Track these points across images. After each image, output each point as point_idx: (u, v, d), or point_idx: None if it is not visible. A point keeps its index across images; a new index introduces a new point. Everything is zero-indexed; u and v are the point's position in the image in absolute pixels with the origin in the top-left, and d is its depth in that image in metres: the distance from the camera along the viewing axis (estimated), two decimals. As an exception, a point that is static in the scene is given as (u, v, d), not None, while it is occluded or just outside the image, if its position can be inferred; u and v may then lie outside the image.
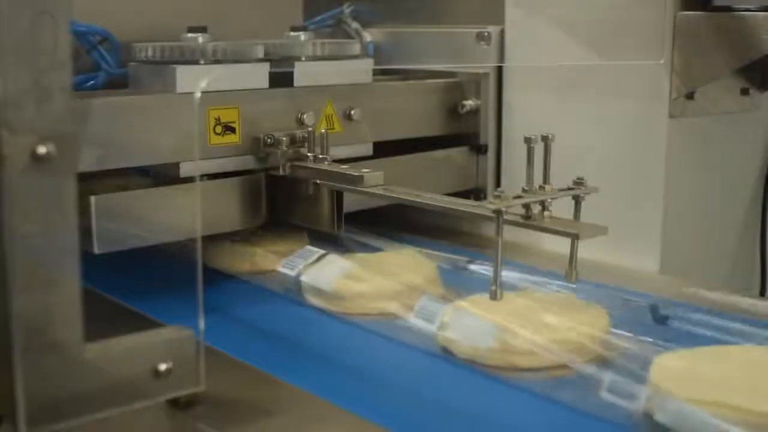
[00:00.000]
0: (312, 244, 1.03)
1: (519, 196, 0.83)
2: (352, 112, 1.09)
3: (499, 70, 1.20)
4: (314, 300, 0.95)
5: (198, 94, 0.81)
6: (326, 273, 0.95)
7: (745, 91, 1.11)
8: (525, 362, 0.78)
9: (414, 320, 0.85)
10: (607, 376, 0.71)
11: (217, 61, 1.00)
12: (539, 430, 0.71)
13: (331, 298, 0.93)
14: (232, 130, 1.00)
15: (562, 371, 0.76)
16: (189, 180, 0.94)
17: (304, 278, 0.96)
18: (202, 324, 0.66)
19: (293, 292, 0.97)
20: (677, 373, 0.71)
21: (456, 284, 0.94)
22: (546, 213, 0.84)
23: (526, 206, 0.84)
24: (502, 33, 1.18)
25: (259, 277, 1.02)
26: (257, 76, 1.03)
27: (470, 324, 0.81)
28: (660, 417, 0.67)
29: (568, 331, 0.79)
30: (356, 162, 1.05)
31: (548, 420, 0.72)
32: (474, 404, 0.75)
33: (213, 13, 1.14)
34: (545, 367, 0.77)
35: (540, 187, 0.84)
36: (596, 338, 0.79)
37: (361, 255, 1.01)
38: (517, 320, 0.80)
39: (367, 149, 1.12)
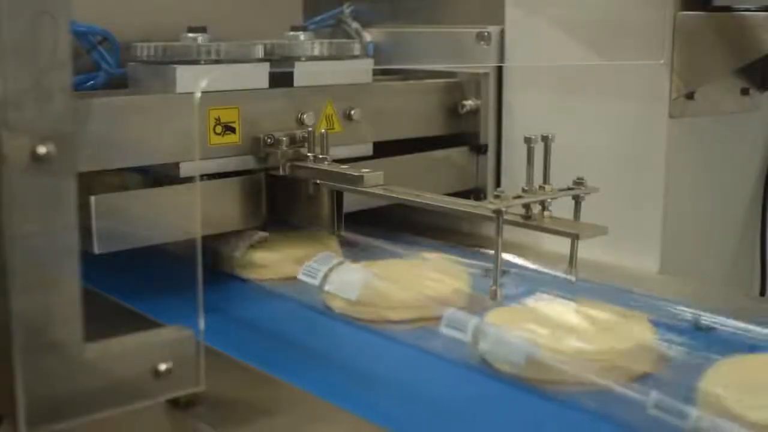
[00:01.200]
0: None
1: (519, 196, 0.83)
2: (352, 112, 1.09)
3: (499, 70, 1.20)
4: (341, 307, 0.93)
5: (198, 94, 0.81)
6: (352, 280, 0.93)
7: (745, 91, 1.11)
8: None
9: (446, 330, 0.82)
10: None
11: (217, 61, 1.00)
12: None
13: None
14: (232, 130, 1.00)
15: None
16: (189, 180, 0.94)
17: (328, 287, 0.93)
18: (202, 324, 0.66)
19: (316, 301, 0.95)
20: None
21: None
22: (546, 213, 0.84)
23: (526, 206, 0.84)
24: (502, 33, 1.18)
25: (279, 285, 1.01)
26: (257, 76, 1.03)
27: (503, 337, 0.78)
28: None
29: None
30: (356, 162, 1.05)
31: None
32: (474, 404, 0.75)
33: (213, 13, 1.13)
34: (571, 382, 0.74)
35: (540, 187, 0.84)
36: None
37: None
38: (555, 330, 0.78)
39: (367, 149, 1.12)
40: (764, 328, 0.83)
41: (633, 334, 0.79)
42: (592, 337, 0.77)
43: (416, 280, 0.92)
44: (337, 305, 0.92)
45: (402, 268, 0.98)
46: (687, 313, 0.88)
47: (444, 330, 0.81)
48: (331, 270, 0.94)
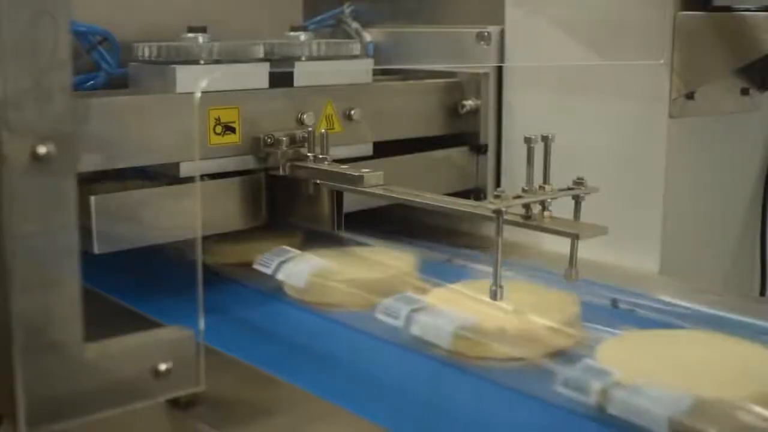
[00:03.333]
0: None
1: (519, 196, 0.83)
2: (352, 112, 1.09)
3: (499, 70, 1.20)
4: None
5: (198, 94, 0.81)
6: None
7: (745, 91, 1.11)
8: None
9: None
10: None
11: (217, 61, 1.00)
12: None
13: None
14: (232, 130, 1.00)
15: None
16: (189, 180, 0.94)
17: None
18: (202, 324, 0.66)
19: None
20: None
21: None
22: (546, 213, 0.84)
23: (526, 206, 0.84)
24: (502, 33, 1.18)
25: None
26: (257, 76, 1.03)
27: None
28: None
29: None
30: (356, 162, 1.05)
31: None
32: (474, 405, 0.75)
33: (213, 13, 1.13)
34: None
35: (540, 187, 0.84)
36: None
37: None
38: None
39: (367, 149, 1.12)
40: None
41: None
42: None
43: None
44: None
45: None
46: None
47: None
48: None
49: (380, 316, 0.85)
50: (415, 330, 0.82)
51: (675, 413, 0.65)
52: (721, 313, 0.90)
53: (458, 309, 0.83)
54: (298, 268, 0.96)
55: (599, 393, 0.69)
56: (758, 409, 0.65)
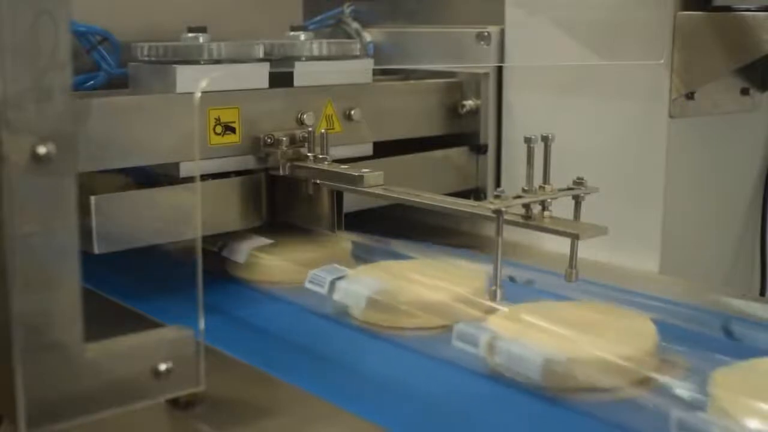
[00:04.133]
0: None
1: (519, 196, 0.83)
2: (352, 112, 1.09)
3: (499, 70, 1.20)
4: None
5: (198, 94, 0.81)
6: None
7: (745, 91, 1.11)
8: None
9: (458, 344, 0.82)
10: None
11: (217, 61, 1.00)
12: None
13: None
14: (232, 130, 1.00)
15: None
16: (189, 180, 0.94)
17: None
18: (202, 324, 0.66)
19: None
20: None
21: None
22: (546, 213, 0.84)
23: (526, 206, 0.84)
24: (502, 33, 1.18)
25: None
26: (257, 76, 1.03)
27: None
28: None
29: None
30: (356, 162, 1.05)
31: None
32: (474, 405, 0.75)
33: (213, 13, 1.13)
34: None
35: (540, 187, 0.84)
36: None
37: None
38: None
39: (367, 149, 1.12)
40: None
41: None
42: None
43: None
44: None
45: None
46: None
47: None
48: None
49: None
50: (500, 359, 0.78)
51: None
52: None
53: (529, 335, 0.78)
54: (355, 288, 0.91)
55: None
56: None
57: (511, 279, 1.00)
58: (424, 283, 0.90)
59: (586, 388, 0.73)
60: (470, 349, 0.78)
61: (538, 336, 0.77)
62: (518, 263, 1.02)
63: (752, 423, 0.64)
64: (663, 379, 0.72)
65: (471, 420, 0.72)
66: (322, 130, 1.02)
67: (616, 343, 0.76)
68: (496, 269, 0.82)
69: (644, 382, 0.73)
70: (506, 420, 0.72)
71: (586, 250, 0.86)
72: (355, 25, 1.29)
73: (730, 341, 0.86)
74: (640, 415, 0.68)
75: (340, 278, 0.92)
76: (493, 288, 0.83)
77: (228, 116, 0.99)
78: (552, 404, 0.73)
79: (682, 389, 0.70)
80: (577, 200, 0.85)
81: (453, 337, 0.80)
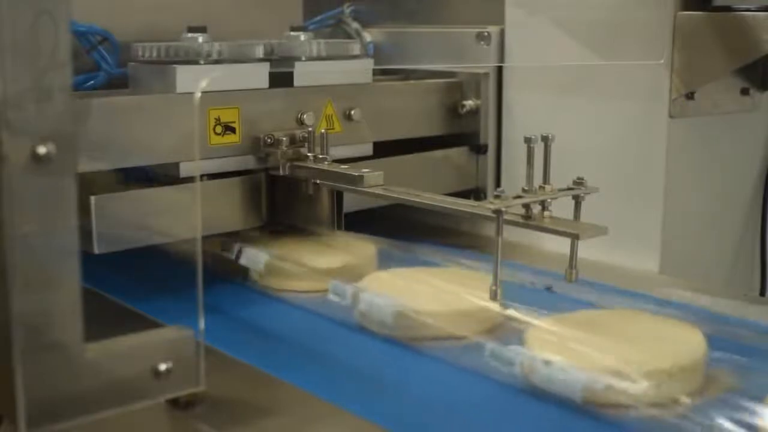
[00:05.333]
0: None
1: (519, 196, 0.83)
2: (352, 112, 1.09)
3: (499, 70, 1.20)
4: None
5: (198, 94, 0.81)
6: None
7: (745, 91, 1.11)
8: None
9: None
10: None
11: (217, 61, 1.00)
12: None
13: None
14: (232, 130, 1.00)
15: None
16: (189, 180, 0.94)
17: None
18: (202, 324, 0.66)
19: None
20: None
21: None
22: (546, 213, 0.84)
23: (526, 206, 0.84)
24: (502, 33, 1.18)
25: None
26: (257, 76, 1.03)
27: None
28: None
29: None
30: (356, 162, 1.05)
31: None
32: (474, 405, 0.75)
33: (213, 13, 1.14)
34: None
35: (540, 187, 0.84)
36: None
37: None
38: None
39: (367, 149, 1.12)
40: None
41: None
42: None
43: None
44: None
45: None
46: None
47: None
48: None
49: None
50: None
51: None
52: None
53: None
54: (379, 301, 0.88)
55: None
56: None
57: (547, 288, 0.96)
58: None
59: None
60: (505, 369, 0.76)
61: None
62: (541, 270, 1.01)
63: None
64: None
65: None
66: (322, 130, 1.02)
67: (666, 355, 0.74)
68: (496, 269, 0.82)
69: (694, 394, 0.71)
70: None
71: (586, 250, 0.86)
72: (355, 25, 1.29)
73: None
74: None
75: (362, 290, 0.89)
76: (494, 288, 0.83)
77: (228, 116, 0.99)
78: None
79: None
80: (577, 200, 0.85)
81: (486, 354, 0.77)
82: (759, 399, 0.67)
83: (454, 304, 0.86)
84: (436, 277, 0.94)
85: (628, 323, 0.82)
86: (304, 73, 1.07)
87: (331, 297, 0.90)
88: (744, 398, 0.67)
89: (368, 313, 0.87)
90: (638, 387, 0.69)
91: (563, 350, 0.74)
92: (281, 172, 1.01)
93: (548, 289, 0.96)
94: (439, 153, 1.19)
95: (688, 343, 0.77)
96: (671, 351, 0.74)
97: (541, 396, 0.73)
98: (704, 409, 0.68)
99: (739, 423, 0.65)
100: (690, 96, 1.05)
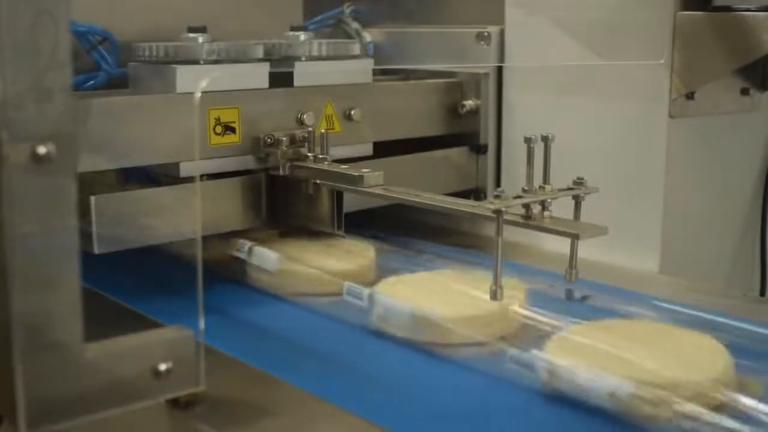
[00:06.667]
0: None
1: (519, 196, 0.83)
2: (352, 112, 1.09)
3: (499, 70, 1.20)
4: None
5: (198, 94, 0.81)
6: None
7: (745, 91, 1.11)
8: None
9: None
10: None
11: (217, 61, 1.00)
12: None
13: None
14: (232, 130, 1.00)
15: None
16: (189, 180, 0.94)
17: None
18: (202, 324, 0.66)
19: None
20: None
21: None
22: (546, 213, 0.84)
23: (526, 206, 0.84)
24: (502, 33, 1.18)
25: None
26: (257, 76, 1.03)
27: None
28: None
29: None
30: (356, 162, 1.05)
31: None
32: (474, 405, 0.75)
33: (213, 13, 1.14)
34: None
35: (540, 187, 0.84)
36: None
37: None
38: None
39: (367, 149, 1.12)
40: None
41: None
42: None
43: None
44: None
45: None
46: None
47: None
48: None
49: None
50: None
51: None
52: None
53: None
54: (399, 309, 0.87)
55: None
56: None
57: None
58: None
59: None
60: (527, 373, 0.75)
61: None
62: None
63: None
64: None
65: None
66: (322, 130, 1.02)
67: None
68: (496, 269, 0.82)
69: (720, 407, 0.69)
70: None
71: (586, 250, 0.86)
72: (355, 25, 1.29)
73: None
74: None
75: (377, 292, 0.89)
76: (493, 287, 0.83)
77: (228, 116, 0.99)
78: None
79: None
80: (577, 200, 0.85)
81: (508, 359, 0.77)
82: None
83: (472, 309, 0.85)
84: (453, 280, 0.93)
85: (654, 333, 0.81)
86: (304, 73, 1.07)
87: (347, 299, 0.90)
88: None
89: (386, 317, 0.87)
90: (667, 397, 0.68)
91: (588, 356, 0.74)
92: (281, 172, 1.01)
93: (570, 295, 0.92)
94: (439, 153, 1.19)
95: (714, 354, 0.76)
96: (701, 362, 0.74)
97: (564, 403, 0.72)
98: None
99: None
100: (690, 96, 1.05)
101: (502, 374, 0.77)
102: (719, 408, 0.68)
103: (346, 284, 0.92)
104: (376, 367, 0.82)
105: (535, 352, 0.76)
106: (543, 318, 0.83)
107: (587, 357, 0.74)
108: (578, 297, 0.92)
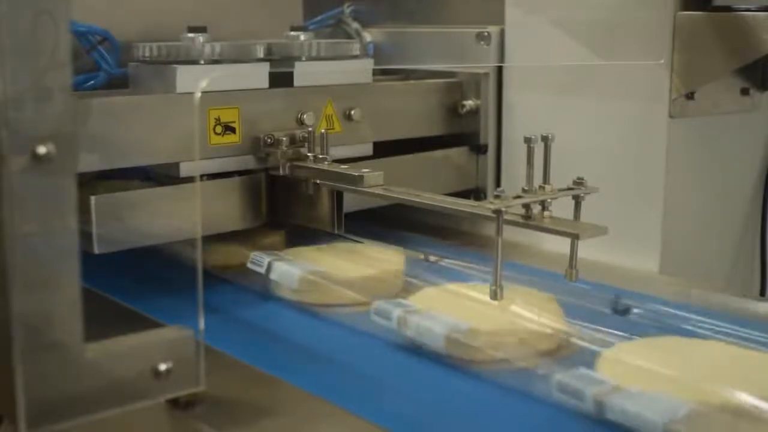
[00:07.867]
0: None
1: (519, 196, 0.83)
2: (352, 112, 1.09)
3: (499, 70, 1.20)
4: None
5: (198, 94, 0.81)
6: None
7: (745, 91, 1.11)
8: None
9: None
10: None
11: (217, 61, 1.00)
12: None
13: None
14: (232, 130, 1.00)
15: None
16: (189, 180, 0.94)
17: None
18: (202, 324, 0.66)
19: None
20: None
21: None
22: (546, 213, 0.84)
23: (526, 206, 0.84)
24: (502, 33, 1.18)
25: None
26: (257, 76, 1.03)
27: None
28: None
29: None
30: (356, 162, 1.05)
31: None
32: (474, 405, 0.75)
33: (213, 13, 1.14)
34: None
35: (540, 187, 0.84)
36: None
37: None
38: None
39: (367, 149, 1.12)
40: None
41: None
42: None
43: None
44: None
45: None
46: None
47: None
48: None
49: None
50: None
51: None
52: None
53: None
54: (432, 325, 0.84)
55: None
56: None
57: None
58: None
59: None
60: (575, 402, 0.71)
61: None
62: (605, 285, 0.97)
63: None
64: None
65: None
66: (322, 130, 1.02)
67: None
68: (496, 269, 0.82)
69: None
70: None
71: (586, 250, 0.86)
72: (355, 25, 1.29)
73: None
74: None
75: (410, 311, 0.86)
76: (493, 288, 0.83)
77: (228, 116, 0.99)
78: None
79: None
80: (577, 200, 0.85)
81: (554, 389, 0.72)
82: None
83: (512, 323, 0.84)
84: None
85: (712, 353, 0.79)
86: (304, 73, 1.07)
87: (374, 319, 0.86)
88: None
89: (419, 338, 0.84)
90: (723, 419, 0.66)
91: (639, 379, 0.71)
92: (281, 172, 1.01)
93: (619, 309, 0.90)
94: (439, 153, 1.19)
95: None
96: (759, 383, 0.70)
97: (611, 427, 0.69)
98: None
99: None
100: (690, 96, 1.05)
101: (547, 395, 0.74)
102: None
103: (376, 303, 0.88)
104: (429, 391, 0.79)
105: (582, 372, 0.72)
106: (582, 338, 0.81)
107: (638, 379, 0.71)
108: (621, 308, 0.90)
